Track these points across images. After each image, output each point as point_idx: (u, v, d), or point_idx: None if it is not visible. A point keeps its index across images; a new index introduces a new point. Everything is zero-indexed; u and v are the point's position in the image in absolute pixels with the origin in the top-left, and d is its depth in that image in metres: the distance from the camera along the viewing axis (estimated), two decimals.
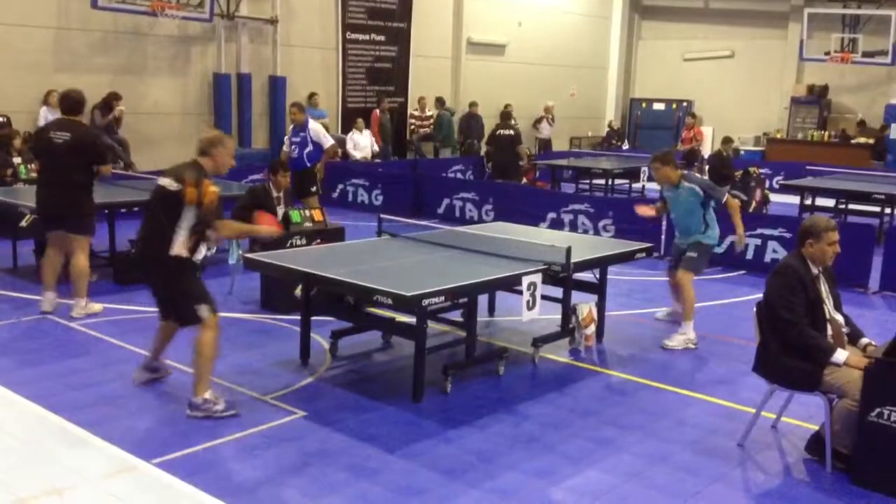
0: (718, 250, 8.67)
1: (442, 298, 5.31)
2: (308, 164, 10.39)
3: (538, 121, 21.12)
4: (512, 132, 16.11)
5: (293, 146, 10.45)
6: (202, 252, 5.45)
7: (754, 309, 5.10)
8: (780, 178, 17.32)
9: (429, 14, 19.24)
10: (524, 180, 15.82)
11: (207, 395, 5.28)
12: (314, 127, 10.57)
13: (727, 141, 14.69)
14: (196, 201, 5.13)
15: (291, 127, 10.75)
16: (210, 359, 5.31)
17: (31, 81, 13.04)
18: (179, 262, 5.25)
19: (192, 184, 5.12)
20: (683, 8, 24.31)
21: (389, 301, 5.20)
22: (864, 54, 20.70)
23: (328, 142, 10.59)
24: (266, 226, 6.31)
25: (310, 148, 10.39)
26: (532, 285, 5.82)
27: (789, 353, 4.83)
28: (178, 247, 5.21)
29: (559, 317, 6.94)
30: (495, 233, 7.22)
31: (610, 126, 24.38)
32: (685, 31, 24.42)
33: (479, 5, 20.44)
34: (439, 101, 19.00)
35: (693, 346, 7.03)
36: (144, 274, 5.61)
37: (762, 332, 5.00)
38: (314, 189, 10.40)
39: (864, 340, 5.05)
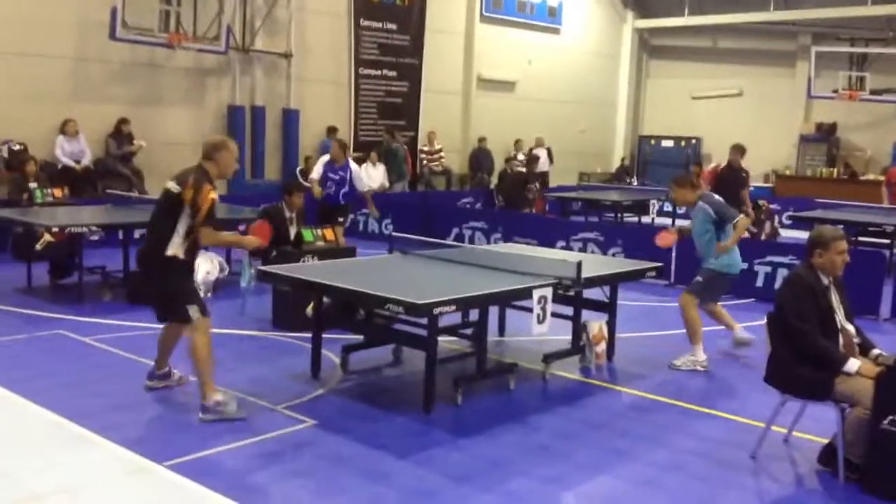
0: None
1: (453, 307, 5.35)
2: (342, 202, 10.55)
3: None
4: (523, 170, 17.24)
5: (329, 183, 10.50)
6: (206, 268, 5.52)
7: (765, 320, 5.12)
8: (790, 212, 17.33)
9: (440, 51, 19.49)
10: (534, 210, 15.93)
11: (218, 396, 5.34)
12: (355, 170, 10.63)
13: (736, 148, 14.47)
14: (192, 203, 5.23)
15: (326, 162, 10.62)
16: (205, 360, 5.35)
17: (48, 111, 13.24)
18: (174, 262, 5.34)
19: (191, 186, 5.24)
20: (691, 47, 24.53)
21: (401, 309, 5.24)
22: (872, 92, 20.77)
23: (365, 187, 11.01)
24: (250, 237, 6.27)
25: (346, 189, 10.52)
26: (542, 299, 5.84)
27: (801, 363, 4.83)
28: (174, 248, 5.32)
29: (569, 337, 6.96)
30: (506, 251, 7.26)
31: (622, 163, 24.44)
32: (693, 70, 24.62)
33: (490, 44, 20.68)
34: (388, 133, 18.06)
35: (701, 369, 6.95)
36: (143, 272, 5.67)
37: (773, 343, 5.01)
38: (342, 220, 10.54)
39: (876, 351, 5.04)
